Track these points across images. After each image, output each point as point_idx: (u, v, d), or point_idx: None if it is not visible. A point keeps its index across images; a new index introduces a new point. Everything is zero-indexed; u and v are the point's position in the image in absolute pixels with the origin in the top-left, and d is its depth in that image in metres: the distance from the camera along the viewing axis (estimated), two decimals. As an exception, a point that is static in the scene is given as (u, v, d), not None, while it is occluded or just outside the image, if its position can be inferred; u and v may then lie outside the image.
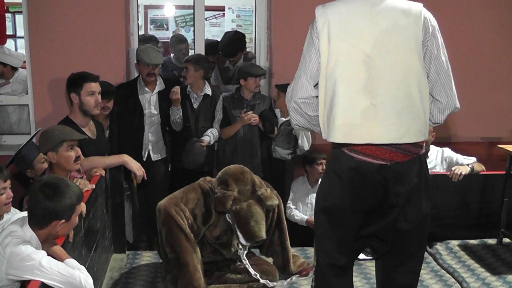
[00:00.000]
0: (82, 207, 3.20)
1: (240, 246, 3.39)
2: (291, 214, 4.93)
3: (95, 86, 3.99)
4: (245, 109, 5.02)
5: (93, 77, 3.99)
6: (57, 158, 3.34)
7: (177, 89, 4.87)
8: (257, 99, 5.08)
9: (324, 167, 4.83)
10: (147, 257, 4.29)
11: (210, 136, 5.03)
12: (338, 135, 2.39)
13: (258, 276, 3.40)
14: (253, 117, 4.95)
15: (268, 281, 3.47)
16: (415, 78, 2.38)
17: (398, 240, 2.54)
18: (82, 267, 2.69)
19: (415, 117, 2.39)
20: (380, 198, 2.44)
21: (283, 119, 5.18)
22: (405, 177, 2.44)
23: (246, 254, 3.64)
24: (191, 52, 6.22)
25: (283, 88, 4.82)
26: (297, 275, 3.43)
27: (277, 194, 3.59)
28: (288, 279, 3.61)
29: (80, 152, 3.44)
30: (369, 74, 2.34)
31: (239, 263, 3.69)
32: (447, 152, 4.73)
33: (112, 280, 3.89)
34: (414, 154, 2.46)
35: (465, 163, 4.54)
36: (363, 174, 2.41)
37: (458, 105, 2.52)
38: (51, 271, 2.47)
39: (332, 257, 2.54)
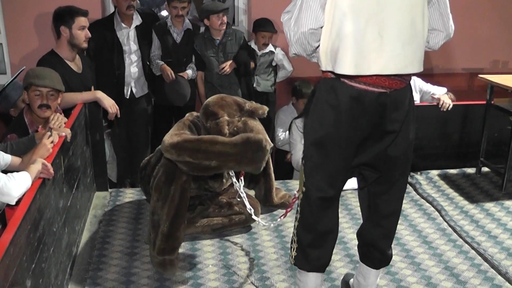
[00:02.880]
0: (67, 132, 3.23)
1: (235, 180, 3.36)
2: (281, 138, 4.92)
3: (85, 21, 3.98)
4: (217, 49, 4.94)
5: (83, 12, 3.99)
6: (29, 99, 3.36)
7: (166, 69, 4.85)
8: (228, 36, 4.97)
9: None
10: (130, 194, 4.27)
11: (192, 68, 4.99)
12: (348, 67, 2.34)
13: (253, 212, 3.39)
14: (226, 68, 4.92)
15: (258, 218, 3.45)
16: (420, 7, 2.35)
17: (387, 167, 2.54)
18: (18, 174, 2.61)
19: (417, 47, 2.39)
20: (376, 125, 2.44)
21: (262, 51, 5.13)
22: (401, 104, 2.44)
23: (227, 188, 3.64)
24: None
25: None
26: (282, 217, 3.41)
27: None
28: (274, 221, 3.55)
29: (45, 102, 3.38)
30: (377, 3, 2.29)
31: (222, 197, 3.70)
32: (419, 81, 4.72)
33: (95, 218, 3.87)
34: (407, 81, 2.47)
35: (438, 93, 4.58)
36: (362, 103, 2.38)
37: (452, 34, 2.54)
38: None
39: (322, 190, 2.54)
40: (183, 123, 3.33)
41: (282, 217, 3.39)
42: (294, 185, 4.42)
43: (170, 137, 3.05)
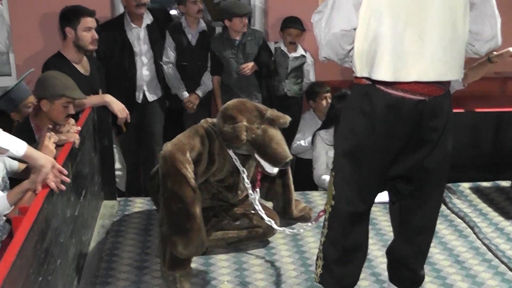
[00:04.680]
0: (75, 137, 3.21)
1: (251, 192, 3.32)
2: (298, 144, 4.90)
3: (91, 22, 3.99)
4: (236, 49, 4.94)
5: (90, 12, 3.98)
6: (49, 109, 3.37)
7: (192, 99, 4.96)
8: (248, 36, 4.97)
9: (329, 101, 4.79)
10: (140, 204, 4.24)
11: (204, 84, 5.04)
12: (385, 72, 2.30)
13: (273, 222, 3.36)
14: (246, 69, 4.92)
15: (281, 228, 3.41)
16: (462, 8, 2.31)
17: (422, 179, 2.50)
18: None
19: (458, 52, 2.35)
20: (413, 135, 2.40)
21: (293, 55, 5.12)
22: (440, 112, 2.40)
23: (243, 199, 3.61)
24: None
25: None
26: (304, 228, 3.36)
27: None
28: (292, 229, 3.51)
29: (73, 110, 3.46)
30: (417, 3, 2.25)
31: (238, 208, 3.66)
32: None
33: (103, 228, 3.84)
34: (447, 87, 2.43)
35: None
36: (399, 112, 2.34)
37: (499, 39, 2.47)
38: None
39: (352, 204, 2.51)
40: (196, 130, 3.30)
41: (314, 221, 3.31)
42: (314, 196, 4.38)
43: (171, 146, 3.12)
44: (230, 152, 3.31)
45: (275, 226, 3.35)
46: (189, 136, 3.28)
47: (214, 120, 3.39)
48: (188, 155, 3.17)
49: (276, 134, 3.15)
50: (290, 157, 3.04)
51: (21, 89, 3.77)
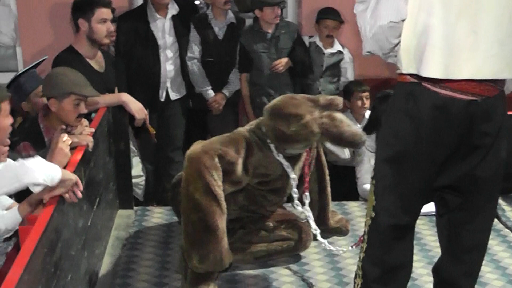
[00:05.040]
0: (89, 140, 3.22)
1: (297, 202, 3.37)
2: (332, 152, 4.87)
3: (107, 13, 4.00)
4: (268, 43, 4.96)
5: (105, 2, 4.00)
6: (58, 108, 3.39)
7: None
8: (281, 29, 4.97)
9: (365, 101, 4.78)
10: (158, 214, 4.27)
11: (231, 83, 5.07)
12: (436, 69, 2.29)
13: (318, 232, 3.39)
14: (280, 65, 4.93)
15: (329, 243, 3.44)
16: None
17: (473, 190, 2.47)
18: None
19: None
20: (463, 140, 2.37)
21: (329, 51, 5.11)
22: (493, 114, 2.37)
23: (273, 207, 3.62)
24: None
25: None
26: (344, 250, 3.37)
27: None
28: (327, 245, 3.50)
29: (85, 110, 3.47)
30: None
31: (267, 219, 3.64)
32: None
33: (118, 240, 3.87)
34: (501, 87, 2.40)
35: None
36: (448, 113, 2.32)
37: None
38: None
39: (395, 216, 2.48)
40: (234, 138, 3.31)
41: (354, 246, 3.33)
42: (352, 207, 4.36)
43: (200, 147, 3.15)
44: (280, 158, 3.35)
45: (320, 237, 3.39)
46: (223, 141, 3.29)
47: (254, 126, 3.42)
48: (216, 160, 3.18)
49: (342, 116, 3.22)
50: (364, 135, 3.14)
51: (32, 77, 3.81)
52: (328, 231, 3.85)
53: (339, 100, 3.28)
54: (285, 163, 3.36)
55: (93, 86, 3.78)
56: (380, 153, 2.54)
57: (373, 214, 2.55)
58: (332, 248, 3.42)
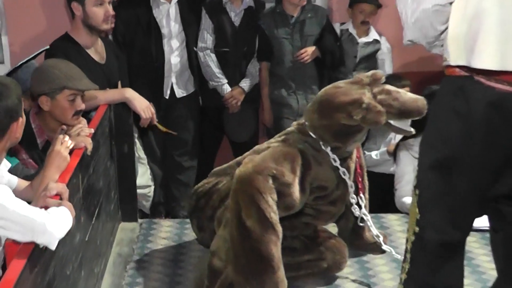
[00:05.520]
0: (87, 142, 3.21)
1: (355, 206, 3.45)
2: (368, 156, 4.87)
3: None
4: (291, 28, 4.97)
5: None
6: (52, 106, 3.39)
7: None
8: (307, 12, 4.97)
9: None
10: (167, 228, 4.27)
11: (251, 75, 5.08)
12: (490, 59, 2.27)
13: (381, 239, 3.50)
14: (305, 55, 4.94)
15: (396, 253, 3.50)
16: None
17: None
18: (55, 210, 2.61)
19: None
20: None
21: (364, 39, 5.09)
22: None
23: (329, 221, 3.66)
24: None
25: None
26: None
27: None
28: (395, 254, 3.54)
29: (83, 106, 3.47)
30: None
31: (294, 234, 3.59)
32: None
33: (120, 258, 3.87)
34: None
35: None
36: (504, 111, 2.29)
37: None
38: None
39: (443, 232, 2.46)
40: (291, 157, 3.29)
41: None
42: (391, 221, 4.35)
43: (252, 167, 3.19)
44: (337, 164, 3.38)
45: (384, 246, 3.49)
46: (277, 157, 3.28)
47: (302, 122, 3.45)
48: (271, 182, 3.19)
49: (394, 88, 3.30)
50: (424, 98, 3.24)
51: (32, 69, 3.81)
52: (362, 248, 3.84)
53: (380, 72, 3.35)
54: (342, 169, 3.39)
55: (93, 80, 3.78)
56: (425, 158, 2.53)
57: (417, 229, 2.53)
58: (398, 256, 3.41)
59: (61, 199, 2.63)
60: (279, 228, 3.17)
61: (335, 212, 3.58)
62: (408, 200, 4.31)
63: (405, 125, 3.27)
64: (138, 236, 4.14)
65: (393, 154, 4.64)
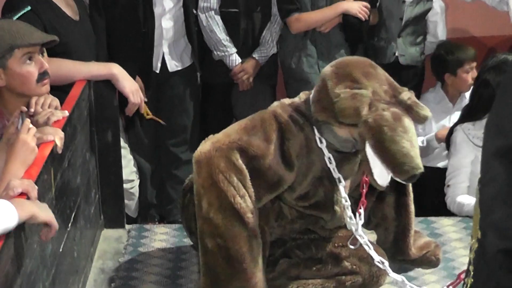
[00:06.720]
0: (57, 134, 3.14)
1: (350, 214, 3.35)
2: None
3: None
4: None
5: None
6: (6, 78, 3.32)
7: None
8: None
9: (475, 75, 4.72)
10: (161, 235, 4.30)
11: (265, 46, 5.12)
12: None
13: (386, 265, 3.35)
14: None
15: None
16: None
17: None
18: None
19: None
20: None
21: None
22: None
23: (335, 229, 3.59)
24: None
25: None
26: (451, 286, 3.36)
27: None
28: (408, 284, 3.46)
29: (46, 65, 3.40)
30: None
31: (321, 244, 3.63)
32: None
33: (103, 275, 3.88)
34: None
35: None
36: None
37: None
38: None
39: (506, 236, 2.43)
40: (260, 119, 3.30)
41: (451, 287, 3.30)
42: (444, 226, 4.34)
43: (210, 144, 3.18)
44: (323, 147, 3.32)
45: (390, 271, 3.36)
46: (242, 127, 3.29)
47: (296, 100, 3.41)
48: (235, 157, 3.18)
49: (411, 128, 3.14)
50: (421, 169, 3.04)
51: None
52: (409, 261, 3.85)
53: (427, 113, 3.22)
54: (327, 154, 3.32)
55: (70, 41, 3.79)
56: (490, 144, 2.49)
57: (480, 234, 2.50)
58: (408, 283, 3.35)
59: (28, 198, 2.62)
60: (252, 219, 3.17)
61: (324, 223, 3.58)
62: (463, 199, 4.30)
63: (379, 172, 3.16)
64: (126, 247, 4.16)
65: (446, 141, 4.60)
